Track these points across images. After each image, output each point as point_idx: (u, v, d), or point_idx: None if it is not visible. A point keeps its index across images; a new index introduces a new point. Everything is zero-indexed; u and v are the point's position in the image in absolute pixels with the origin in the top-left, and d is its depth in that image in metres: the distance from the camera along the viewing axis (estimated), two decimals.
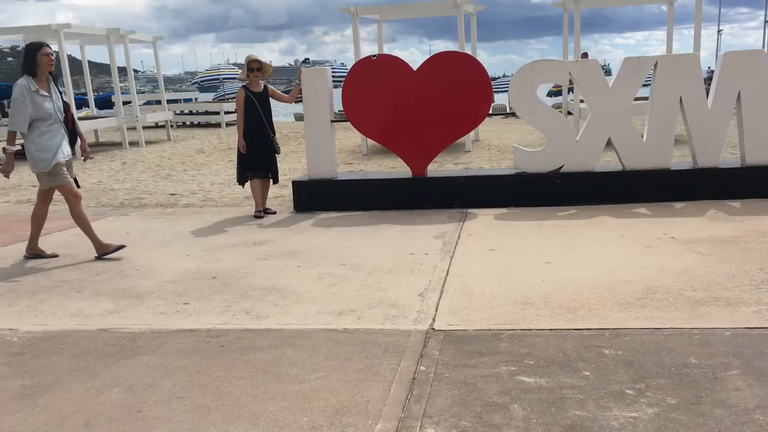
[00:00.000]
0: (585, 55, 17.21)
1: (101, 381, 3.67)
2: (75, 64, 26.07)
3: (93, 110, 23.35)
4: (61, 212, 9.21)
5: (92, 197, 10.60)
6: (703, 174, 7.78)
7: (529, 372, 3.48)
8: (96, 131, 21.04)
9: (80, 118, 18.18)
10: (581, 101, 13.46)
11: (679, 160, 8.28)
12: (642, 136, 7.92)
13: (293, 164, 13.22)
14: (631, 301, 4.46)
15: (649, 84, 8.11)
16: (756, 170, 7.68)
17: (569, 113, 15.28)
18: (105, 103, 30.70)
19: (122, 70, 22.75)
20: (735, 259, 5.27)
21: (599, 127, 7.88)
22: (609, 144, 7.95)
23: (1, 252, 6.89)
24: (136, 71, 29.88)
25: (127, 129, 19.35)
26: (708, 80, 9.03)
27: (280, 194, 9.40)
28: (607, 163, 8.63)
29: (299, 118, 26.21)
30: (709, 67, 29.23)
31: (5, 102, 32.94)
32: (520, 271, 5.27)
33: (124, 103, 19.90)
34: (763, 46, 50.02)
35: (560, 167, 7.96)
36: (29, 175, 13.68)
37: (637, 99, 8.38)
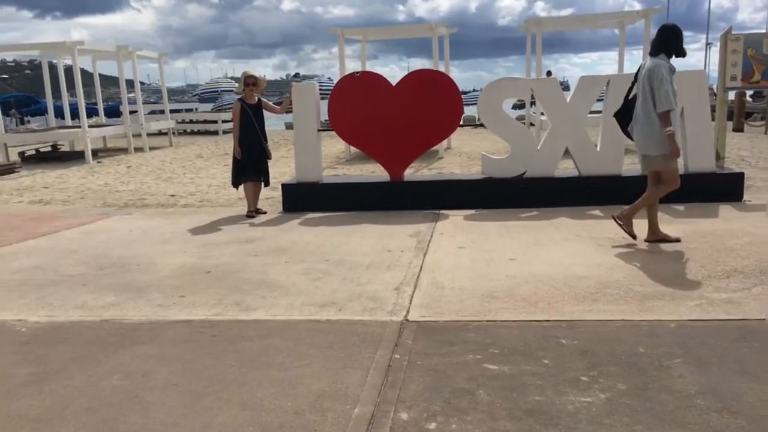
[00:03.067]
0: (549, 73, 17.27)
1: (102, 369, 3.57)
2: (87, 76, 25.73)
3: (102, 119, 23.04)
4: (68, 211, 9.06)
5: (99, 198, 10.42)
6: None
7: (493, 360, 3.43)
8: (105, 137, 20.75)
9: (90, 126, 17.97)
10: (542, 114, 13.48)
11: (629, 167, 8.28)
12: (596, 146, 7.93)
13: (283, 168, 13.10)
14: (585, 295, 4.43)
15: (603, 99, 8.12)
16: (697, 177, 7.69)
17: (531, 124, 15.31)
18: (113, 112, 30.33)
19: (130, 83, 22.50)
20: (679, 258, 5.27)
21: (558, 137, 7.88)
22: (567, 152, 7.95)
23: (13, 249, 6.72)
24: (142, 83, 29.58)
25: (133, 136, 19.11)
26: None
27: (271, 196, 9.30)
28: (565, 169, 8.62)
29: (289, 126, 26.05)
30: None
31: (23, 110, 32.48)
32: (486, 267, 5.23)
33: (131, 112, 19.65)
34: (705, 66, 50.61)
35: (523, 173, 7.94)
36: (42, 176, 13.47)
37: (591, 113, 8.39)
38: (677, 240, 5.77)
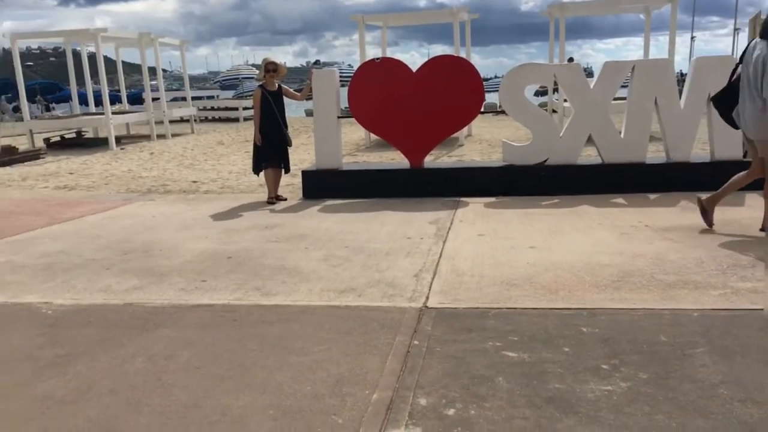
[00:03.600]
0: (571, 60, 17.07)
1: (126, 351, 3.62)
2: (110, 63, 25.96)
3: (125, 105, 23.26)
4: (92, 197, 9.18)
5: (123, 184, 10.54)
6: (675, 168, 7.69)
7: (513, 347, 3.42)
8: (128, 124, 20.95)
9: (114, 113, 18.14)
10: (565, 101, 13.34)
11: (653, 155, 8.18)
12: (620, 133, 7.83)
13: (303, 155, 13.13)
14: (607, 283, 4.39)
15: (627, 85, 8.01)
16: (724, 165, 7.55)
17: (554, 111, 15.16)
18: (136, 99, 30.57)
19: (152, 70, 22.65)
20: (704, 246, 5.20)
21: (581, 124, 7.80)
22: (590, 139, 7.86)
23: (39, 233, 6.83)
24: (164, 71, 29.78)
25: (156, 123, 19.27)
26: (681, 82, 8.93)
27: (291, 182, 9.33)
28: (588, 156, 8.54)
29: (309, 113, 26.07)
30: (681, 71, 29.03)
31: (47, 97, 32.87)
32: (506, 255, 5.20)
33: (154, 99, 19.80)
34: (732, 53, 49.64)
35: (545, 160, 7.88)
36: (67, 162, 13.65)
37: (615, 99, 8.29)
38: (709, 226, 5.69)
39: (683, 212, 6.47)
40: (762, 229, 5.54)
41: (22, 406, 3.05)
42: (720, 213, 6.27)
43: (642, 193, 7.45)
